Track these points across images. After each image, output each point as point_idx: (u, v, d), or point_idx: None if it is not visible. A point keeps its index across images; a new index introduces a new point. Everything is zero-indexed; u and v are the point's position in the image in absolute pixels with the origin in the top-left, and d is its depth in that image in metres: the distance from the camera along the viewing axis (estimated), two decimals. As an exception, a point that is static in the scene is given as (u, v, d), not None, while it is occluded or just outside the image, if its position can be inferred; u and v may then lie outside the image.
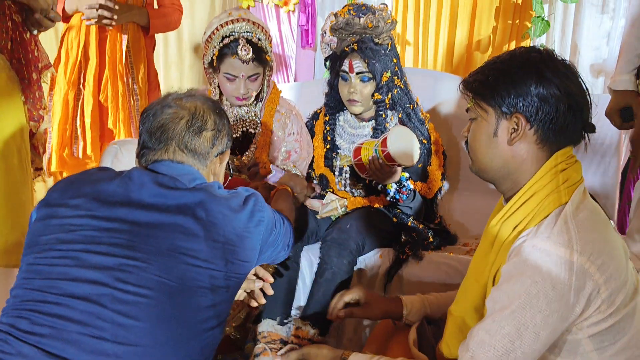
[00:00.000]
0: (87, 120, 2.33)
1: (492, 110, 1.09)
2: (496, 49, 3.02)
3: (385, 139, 1.74)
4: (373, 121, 1.99)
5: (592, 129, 1.10)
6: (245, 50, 1.83)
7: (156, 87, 2.55)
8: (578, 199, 1.05)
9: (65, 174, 2.43)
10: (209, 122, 1.22)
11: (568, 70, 1.07)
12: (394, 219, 1.94)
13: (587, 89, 1.08)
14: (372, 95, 1.93)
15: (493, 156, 1.11)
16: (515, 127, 1.07)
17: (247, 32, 1.85)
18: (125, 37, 2.35)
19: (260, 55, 1.87)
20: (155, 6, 2.51)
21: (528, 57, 1.09)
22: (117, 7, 2.26)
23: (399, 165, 1.77)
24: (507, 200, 1.14)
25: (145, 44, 2.45)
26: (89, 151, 2.35)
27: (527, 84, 1.05)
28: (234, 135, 2.02)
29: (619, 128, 2.03)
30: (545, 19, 2.82)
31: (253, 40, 1.85)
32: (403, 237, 1.89)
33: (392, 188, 1.87)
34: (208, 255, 1.08)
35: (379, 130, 1.95)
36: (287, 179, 1.80)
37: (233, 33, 1.84)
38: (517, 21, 2.96)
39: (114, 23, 2.26)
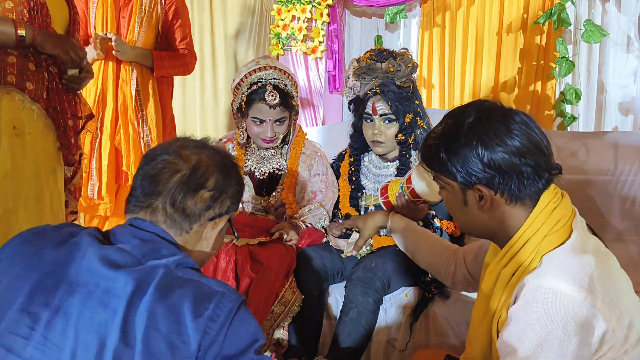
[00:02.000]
0: (104, 162, 2.43)
1: (455, 183, 1.10)
2: (522, 89, 3.05)
3: (410, 176, 1.77)
4: (397, 161, 2.03)
5: (558, 170, 1.09)
6: (272, 95, 1.92)
7: (172, 132, 2.62)
8: (578, 236, 1.03)
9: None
10: (209, 181, 1.05)
11: (509, 124, 1.05)
12: (420, 258, 1.94)
13: (536, 134, 1.06)
14: (396, 136, 1.97)
15: (471, 221, 1.13)
16: (481, 195, 1.07)
17: (274, 78, 1.94)
18: (134, 80, 2.43)
19: (286, 100, 1.95)
20: None
21: (465, 125, 1.07)
22: (117, 42, 2.34)
23: (424, 202, 1.79)
24: (502, 247, 1.13)
25: (156, 87, 2.52)
26: (103, 192, 2.43)
27: (474, 155, 1.04)
28: (261, 177, 2.09)
29: None
30: (570, 59, 2.85)
31: (280, 86, 1.94)
32: (429, 276, 1.89)
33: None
34: None
35: (403, 170, 1.98)
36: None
37: (261, 80, 1.94)
38: (542, 62, 3.00)
39: (120, 51, 2.34)
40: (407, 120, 1.95)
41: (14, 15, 1.58)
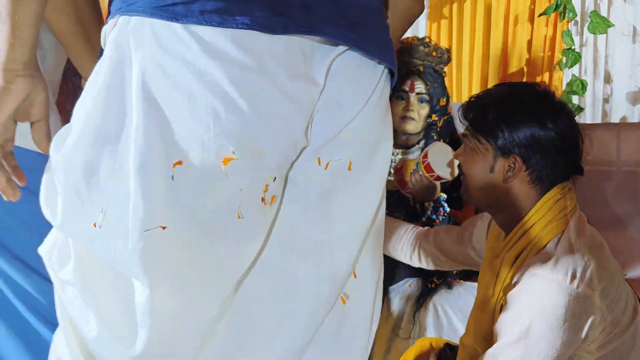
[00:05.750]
0: None
1: (491, 147, 1.14)
2: (529, 80, 3.08)
3: (427, 151, 1.82)
4: (422, 142, 2.10)
5: (580, 171, 1.15)
6: None
7: None
8: (575, 226, 1.10)
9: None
10: None
11: (564, 114, 1.12)
12: (424, 249, 2.01)
13: (579, 132, 1.13)
14: (430, 117, 2.04)
15: (487, 190, 1.16)
16: (512, 166, 1.12)
17: None
18: None
19: None
20: None
21: (529, 100, 1.14)
22: None
23: (438, 179, 1.83)
24: (504, 230, 1.19)
25: None
26: None
27: (528, 127, 1.10)
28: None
29: None
30: (576, 50, 2.87)
31: None
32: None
33: (430, 207, 1.96)
34: None
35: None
36: None
37: None
38: (549, 53, 3.02)
39: None
40: (442, 103, 2.03)
41: None
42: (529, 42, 3.06)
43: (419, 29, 3.35)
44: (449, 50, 2.07)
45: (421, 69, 2.01)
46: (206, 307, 0.77)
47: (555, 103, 1.14)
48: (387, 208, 2.09)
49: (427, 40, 2.07)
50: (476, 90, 3.20)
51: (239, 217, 0.74)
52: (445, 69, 3.23)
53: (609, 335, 1.05)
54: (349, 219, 0.83)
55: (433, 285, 1.91)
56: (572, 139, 1.12)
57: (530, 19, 3.04)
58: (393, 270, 1.89)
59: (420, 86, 2.02)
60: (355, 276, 0.86)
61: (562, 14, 2.85)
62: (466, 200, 1.24)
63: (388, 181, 2.09)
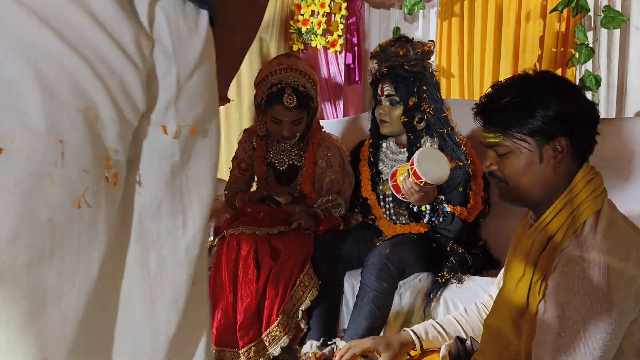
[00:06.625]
0: None
1: (532, 139, 1.12)
2: (542, 77, 3.06)
3: (413, 158, 1.83)
4: (411, 147, 2.10)
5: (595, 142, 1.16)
6: (290, 99, 2.01)
7: None
8: (609, 207, 1.10)
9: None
10: None
11: (578, 89, 1.15)
12: (434, 244, 2.00)
13: (591, 104, 1.15)
14: (400, 118, 2.04)
15: (538, 182, 1.14)
16: (558, 148, 1.11)
17: (294, 81, 2.03)
18: None
19: (304, 103, 2.04)
20: None
21: (547, 82, 1.14)
22: None
23: (427, 184, 1.83)
24: (537, 212, 1.17)
25: None
26: None
27: (560, 107, 1.10)
28: (280, 168, 2.19)
29: None
30: (590, 45, 2.84)
31: (299, 89, 2.02)
32: (446, 263, 1.95)
33: (427, 209, 1.95)
34: None
35: (411, 155, 2.05)
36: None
37: (280, 82, 2.03)
38: (562, 49, 2.99)
39: None
40: (411, 103, 2.01)
41: None
42: (541, 39, 3.03)
43: (430, 27, 3.34)
44: (424, 44, 2.03)
45: (385, 71, 2.01)
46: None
47: (567, 80, 1.16)
48: (390, 209, 2.13)
49: (403, 39, 2.04)
50: (488, 87, 3.17)
51: (81, 207, 0.61)
52: (456, 67, 3.23)
53: None
54: (199, 195, 0.74)
55: (443, 280, 1.90)
56: (593, 110, 1.14)
57: (543, 15, 3.01)
58: (403, 265, 1.88)
59: (387, 88, 2.03)
60: None
61: (575, 10, 2.82)
62: (516, 204, 1.19)
63: (386, 185, 2.10)
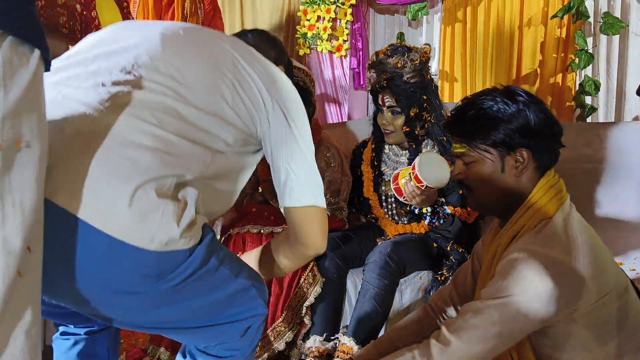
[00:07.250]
0: None
1: (494, 150, 1.19)
2: (543, 81, 3.11)
3: (414, 163, 1.88)
4: (407, 151, 2.16)
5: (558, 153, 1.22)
6: None
7: None
8: (566, 209, 1.16)
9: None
10: None
11: (541, 103, 1.19)
12: (434, 244, 2.06)
13: (552, 114, 1.21)
14: (403, 127, 2.10)
15: (500, 190, 1.21)
16: (520, 158, 1.18)
17: (294, 76, 2.10)
18: None
19: (304, 97, 2.09)
20: None
21: (511, 96, 1.18)
22: None
23: (428, 188, 1.89)
24: (503, 220, 1.25)
25: None
26: None
27: (521, 118, 1.16)
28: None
29: None
30: (589, 51, 2.89)
31: (299, 83, 2.09)
32: (445, 262, 2.01)
33: (428, 212, 2.01)
34: None
35: (412, 159, 2.11)
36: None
37: None
38: (562, 54, 3.05)
39: None
40: (412, 114, 2.07)
41: (67, 29, 1.73)
42: (542, 44, 3.10)
43: (434, 33, 3.41)
44: (421, 51, 2.07)
45: (385, 83, 2.06)
46: None
47: (528, 93, 1.20)
48: (392, 209, 2.19)
49: (400, 48, 2.08)
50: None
51: None
52: (459, 71, 3.30)
53: (593, 303, 1.09)
54: (22, 196, 0.82)
55: (443, 278, 1.96)
56: (554, 118, 1.19)
57: (544, 21, 3.07)
58: (404, 263, 1.95)
59: (388, 100, 2.08)
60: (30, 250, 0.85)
61: (575, 16, 2.88)
62: (481, 211, 1.29)
63: (388, 186, 2.16)
